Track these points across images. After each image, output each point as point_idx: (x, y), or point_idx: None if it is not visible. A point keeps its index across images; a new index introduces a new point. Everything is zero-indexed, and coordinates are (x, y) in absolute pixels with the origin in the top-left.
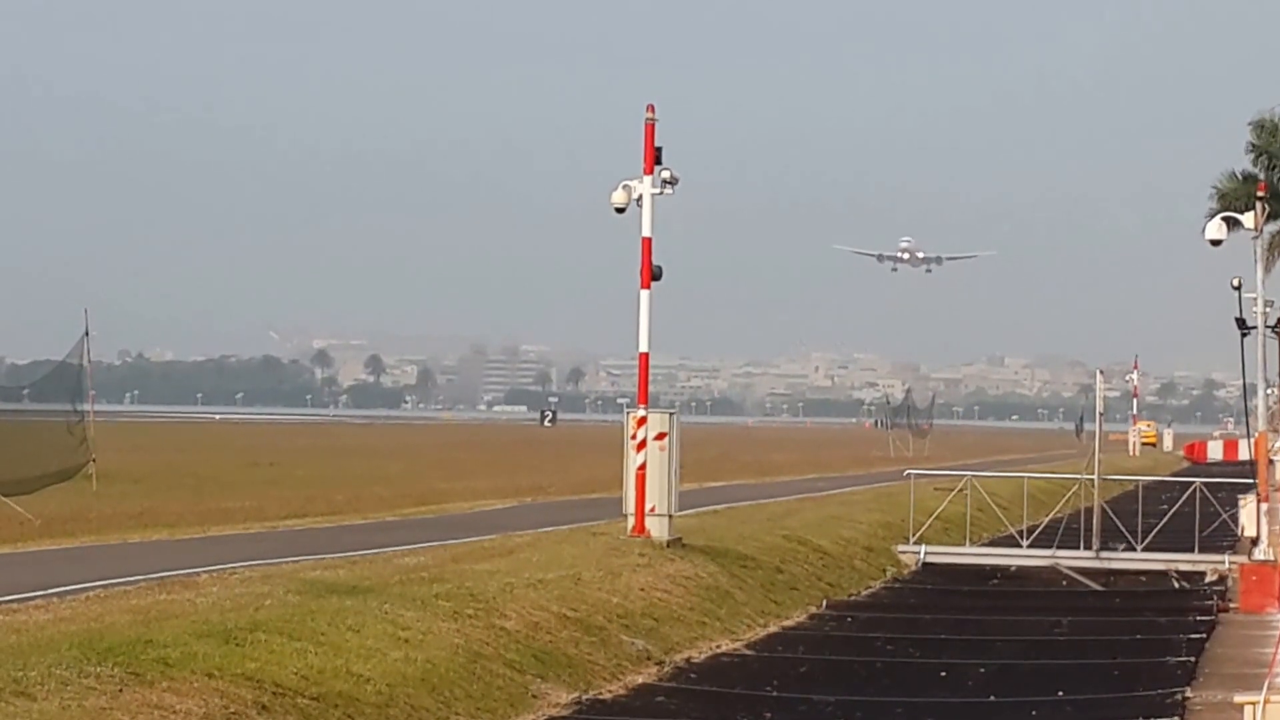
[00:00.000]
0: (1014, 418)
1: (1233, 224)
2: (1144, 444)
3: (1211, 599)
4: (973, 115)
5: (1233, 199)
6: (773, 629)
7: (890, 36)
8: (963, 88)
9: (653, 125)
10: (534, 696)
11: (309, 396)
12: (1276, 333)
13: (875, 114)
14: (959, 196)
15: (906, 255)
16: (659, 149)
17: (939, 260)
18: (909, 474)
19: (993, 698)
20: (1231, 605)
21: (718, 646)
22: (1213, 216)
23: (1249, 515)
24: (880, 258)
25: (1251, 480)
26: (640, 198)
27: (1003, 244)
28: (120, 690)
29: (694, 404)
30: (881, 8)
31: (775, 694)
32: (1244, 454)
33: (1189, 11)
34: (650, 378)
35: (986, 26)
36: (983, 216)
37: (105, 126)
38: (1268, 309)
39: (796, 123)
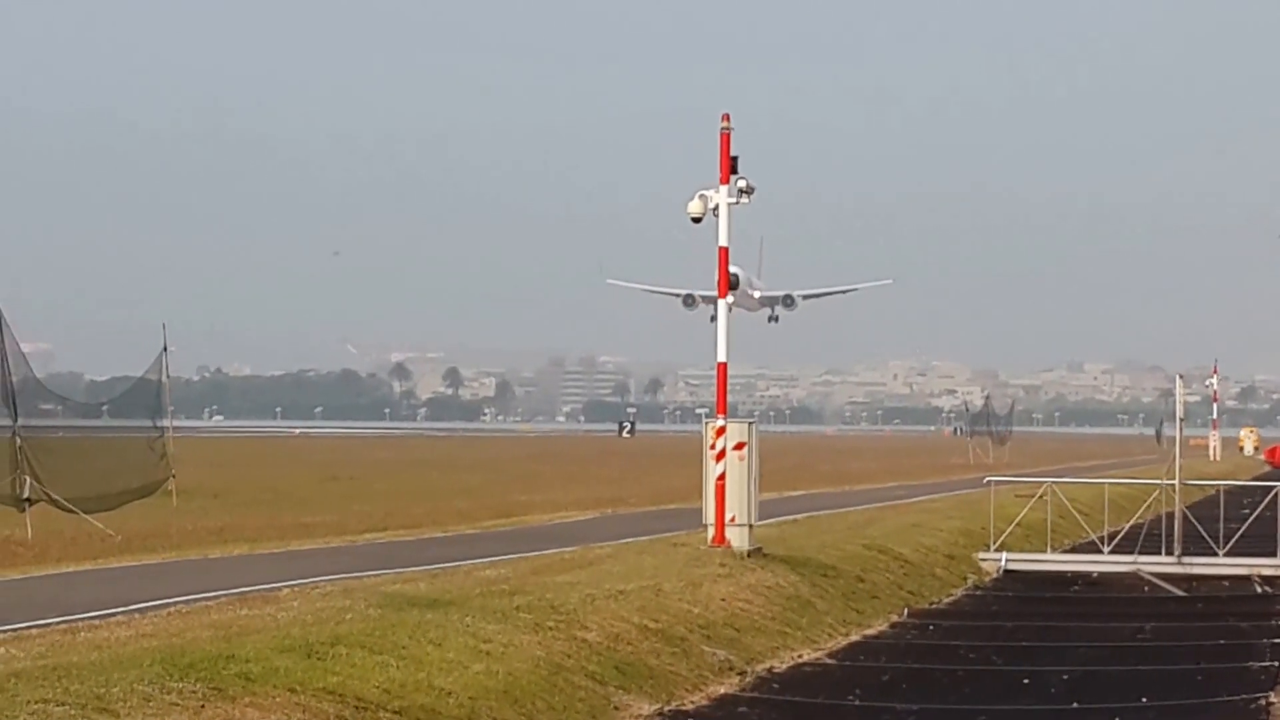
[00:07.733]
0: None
1: None
2: (1241, 448)
3: None
4: (1048, 114)
5: None
6: (854, 638)
7: (967, 37)
8: (1037, 86)
9: (728, 135)
10: (615, 708)
11: (387, 410)
12: None
13: (947, 118)
14: (1031, 195)
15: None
16: (735, 158)
17: (789, 301)
18: (989, 481)
19: (1076, 705)
20: None
21: (799, 656)
22: None
23: None
24: (689, 300)
25: None
26: (717, 207)
27: (1085, 247)
28: (202, 706)
29: (772, 413)
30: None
31: (858, 703)
32: None
33: (1269, 9)
34: (728, 387)
35: (1061, 21)
36: (1060, 218)
37: (183, 146)
38: None
39: (876, 131)
